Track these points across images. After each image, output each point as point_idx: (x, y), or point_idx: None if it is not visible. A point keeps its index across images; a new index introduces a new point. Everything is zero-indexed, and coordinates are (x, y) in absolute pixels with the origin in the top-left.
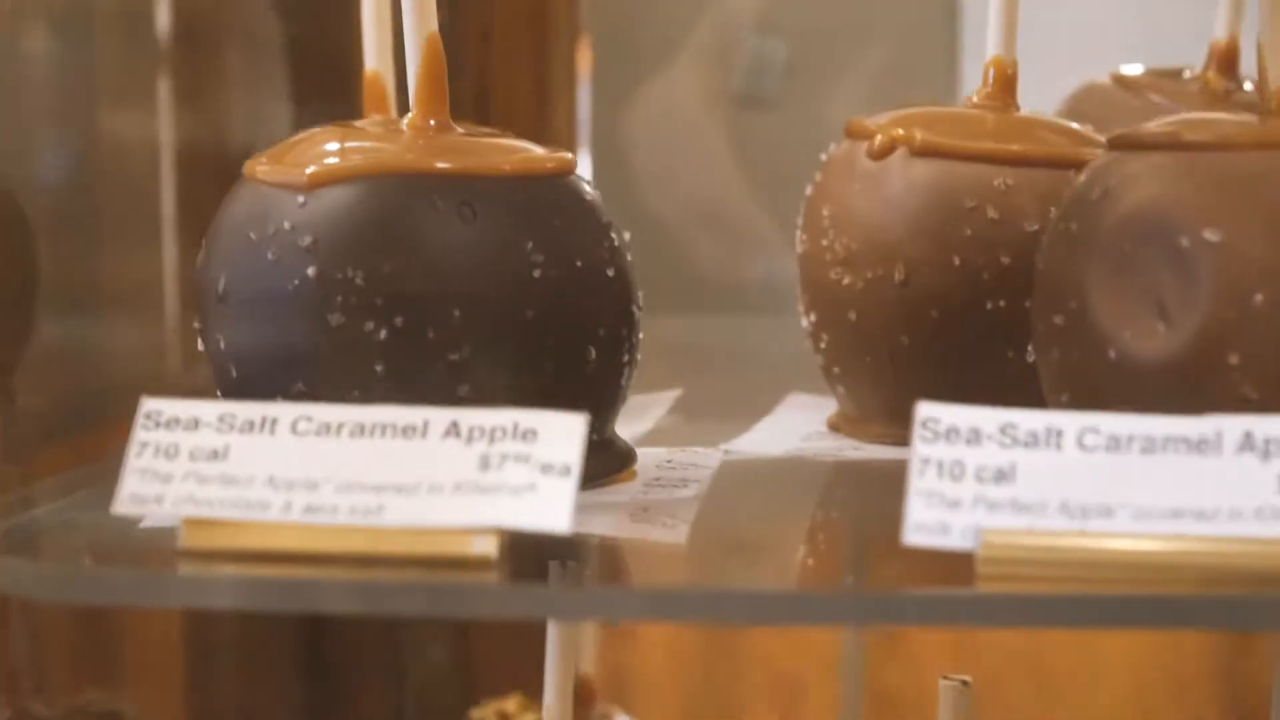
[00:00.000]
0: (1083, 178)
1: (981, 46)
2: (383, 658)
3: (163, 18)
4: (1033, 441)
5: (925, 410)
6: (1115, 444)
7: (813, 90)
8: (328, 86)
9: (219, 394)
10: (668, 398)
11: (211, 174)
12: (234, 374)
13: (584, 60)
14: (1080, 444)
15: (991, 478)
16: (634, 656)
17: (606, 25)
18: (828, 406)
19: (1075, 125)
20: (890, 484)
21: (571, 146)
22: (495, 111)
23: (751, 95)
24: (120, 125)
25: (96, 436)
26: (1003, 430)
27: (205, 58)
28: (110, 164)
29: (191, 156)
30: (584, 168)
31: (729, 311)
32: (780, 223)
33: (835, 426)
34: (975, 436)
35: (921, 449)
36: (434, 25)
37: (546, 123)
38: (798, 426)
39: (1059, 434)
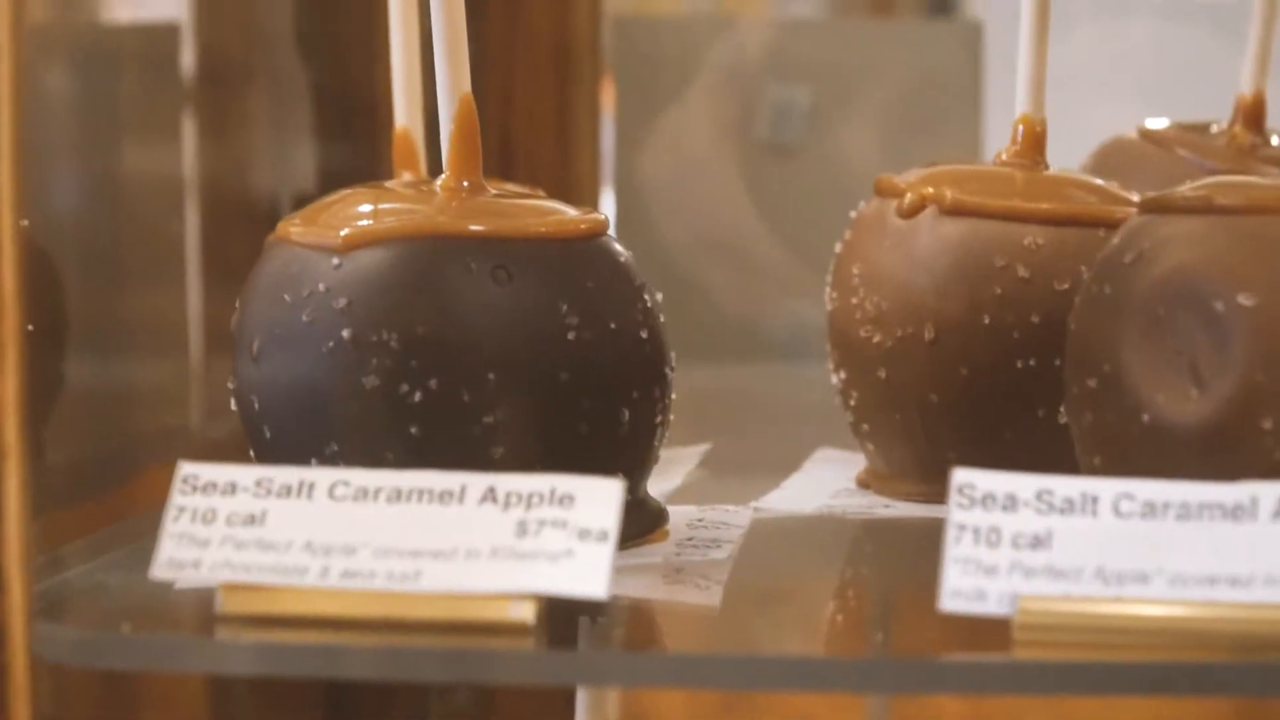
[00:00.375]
0: (1115, 240)
1: (1004, 94)
2: (407, 700)
3: (188, 59)
4: (1069, 508)
5: (961, 476)
6: (1151, 510)
7: (836, 137)
8: (352, 129)
9: (251, 454)
10: (696, 452)
11: (236, 216)
12: (267, 435)
13: (607, 98)
14: (1116, 510)
15: (1028, 544)
16: (655, 696)
17: (630, 70)
18: (856, 462)
19: (1104, 183)
20: (922, 544)
21: (595, 191)
22: (518, 157)
23: (775, 142)
24: (145, 166)
25: (121, 490)
26: (1039, 496)
27: (230, 99)
28: (134, 206)
29: (216, 198)
30: (608, 208)
31: (752, 358)
32: (804, 269)
33: (864, 483)
34: (1011, 503)
35: (958, 515)
36: (467, 86)
37: (570, 167)
38: (827, 483)
39: (1095, 500)
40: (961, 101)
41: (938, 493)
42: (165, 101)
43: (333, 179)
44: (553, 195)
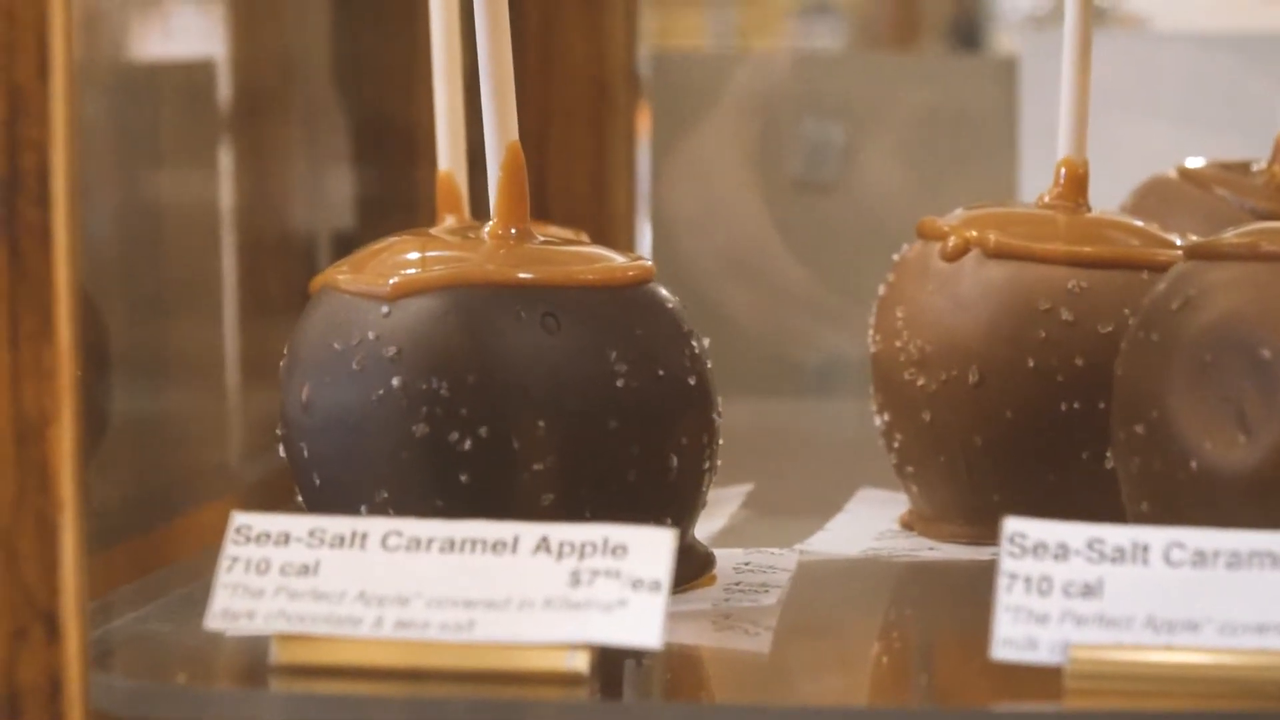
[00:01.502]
0: (1161, 286)
1: (1039, 128)
2: None
3: (223, 93)
4: (1119, 556)
5: (1012, 525)
6: (1201, 559)
7: (871, 173)
8: (390, 158)
9: (300, 499)
10: (739, 493)
11: (274, 248)
12: (317, 481)
13: (643, 131)
14: (1167, 559)
15: (1079, 592)
16: None
17: (666, 104)
18: (898, 502)
19: (1146, 225)
20: (969, 587)
21: (630, 226)
22: (554, 192)
23: (810, 178)
24: (181, 200)
25: (164, 530)
26: (1090, 545)
27: (266, 130)
28: (171, 240)
29: (254, 230)
30: (644, 242)
31: (789, 393)
32: (840, 304)
33: (908, 525)
34: (1063, 552)
35: (1009, 564)
36: (514, 133)
37: (606, 202)
38: (870, 524)
39: (1145, 549)
40: (997, 136)
41: (982, 534)
42: (202, 136)
43: (371, 208)
44: (589, 230)
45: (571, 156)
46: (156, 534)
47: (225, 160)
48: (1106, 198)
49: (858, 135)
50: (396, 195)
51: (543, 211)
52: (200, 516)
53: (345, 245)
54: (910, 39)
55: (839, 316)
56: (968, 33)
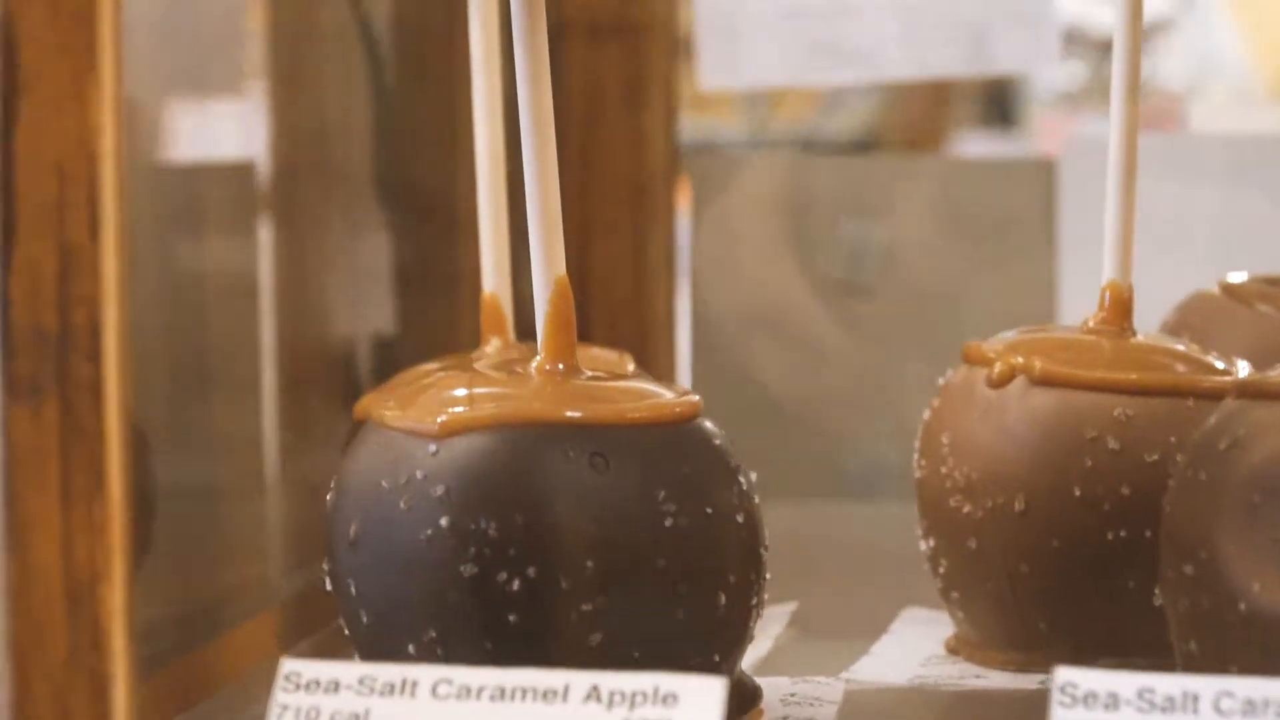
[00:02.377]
0: (1210, 424)
1: (1079, 231)
2: None
3: (263, 161)
4: (1169, 706)
5: (1063, 675)
6: (1251, 708)
7: (911, 278)
8: (429, 229)
9: (347, 633)
10: (784, 612)
11: (313, 351)
12: (364, 619)
13: (682, 216)
14: (1217, 708)
15: None
16: None
17: (706, 204)
18: (943, 621)
19: (1190, 349)
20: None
21: (670, 329)
22: (594, 295)
23: (850, 281)
24: (222, 274)
25: (201, 653)
26: (1140, 695)
27: (307, 198)
28: (211, 320)
29: (293, 334)
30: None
31: (831, 495)
32: (879, 409)
33: (954, 650)
34: (1113, 701)
35: (1060, 714)
36: (562, 268)
37: (645, 306)
38: (917, 648)
39: (1195, 699)
40: (1036, 236)
41: (1029, 661)
42: (243, 202)
43: (410, 282)
44: (628, 333)
45: (612, 261)
46: (197, 654)
47: (265, 264)
48: (1146, 305)
49: (897, 238)
50: (437, 267)
51: (583, 315)
52: (241, 634)
53: (386, 345)
54: (942, 109)
55: (879, 419)
56: (1001, 106)
